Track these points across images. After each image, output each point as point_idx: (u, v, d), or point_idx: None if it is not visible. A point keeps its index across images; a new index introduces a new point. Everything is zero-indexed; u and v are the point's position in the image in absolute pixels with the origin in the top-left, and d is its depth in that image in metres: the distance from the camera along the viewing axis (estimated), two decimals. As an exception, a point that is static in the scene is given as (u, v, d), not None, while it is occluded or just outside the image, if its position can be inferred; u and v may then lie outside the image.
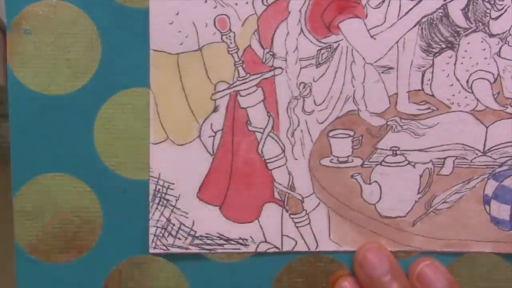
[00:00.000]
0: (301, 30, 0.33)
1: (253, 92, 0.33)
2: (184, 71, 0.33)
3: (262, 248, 0.34)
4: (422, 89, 0.34)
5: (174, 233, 0.34)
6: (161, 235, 0.34)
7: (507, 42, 0.33)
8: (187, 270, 0.34)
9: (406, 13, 0.33)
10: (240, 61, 0.33)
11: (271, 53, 0.33)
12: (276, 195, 0.34)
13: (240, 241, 0.34)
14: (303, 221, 0.34)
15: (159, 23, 0.33)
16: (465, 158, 0.34)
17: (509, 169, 0.34)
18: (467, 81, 0.34)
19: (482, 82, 0.34)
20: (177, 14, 0.33)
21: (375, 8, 0.33)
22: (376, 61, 0.33)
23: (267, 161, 0.34)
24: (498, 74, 0.34)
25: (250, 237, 0.34)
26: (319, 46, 0.33)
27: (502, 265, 0.34)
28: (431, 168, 0.34)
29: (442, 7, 0.33)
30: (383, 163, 0.34)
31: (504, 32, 0.33)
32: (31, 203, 0.33)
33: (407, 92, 0.34)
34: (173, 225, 0.34)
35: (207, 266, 0.34)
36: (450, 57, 0.34)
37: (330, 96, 0.34)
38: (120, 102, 0.33)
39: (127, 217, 0.34)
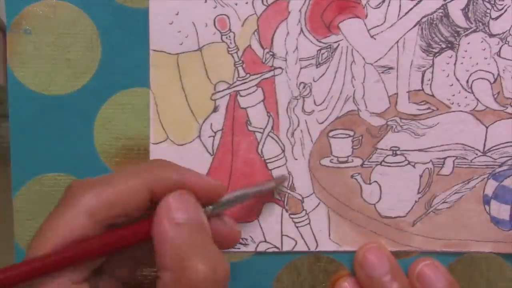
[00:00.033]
0: (301, 30, 0.33)
1: (253, 92, 0.33)
2: (184, 71, 0.33)
3: (262, 248, 0.34)
4: (422, 89, 0.34)
5: (174, 233, 0.34)
6: (161, 235, 0.34)
7: (507, 42, 0.33)
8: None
9: (406, 13, 0.33)
10: (240, 61, 0.33)
11: (271, 53, 0.33)
12: (276, 195, 0.34)
13: (240, 240, 0.34)
14: (303, 221, 0.34)
15: (159, 23, 0.33)
16: (465, 158, 0.34)
17: (509, 169, 0.34)
18: (467, 81, 0.34)
19: (482, 82, 0.34)
20: (177, 14, 0.33)
21: (375, 8, 0.33)
22: (376, 61, 0.33)
23: (267, 161, 0.34)
24: (498, 74, 0.34)
25: (250, 236, 0.34)
26: (319, 46, 0.33)
27: (502, 265, 0.34)
28: (431, 168, 0.34)
29: (442, 7, 0.33)
30: (383, 163, 0.34)
31: (504, 32, 0.33)
32: (31, 203, 0.33)
33: (407, 92, 0.34)
34: (173, 225, 0.34)
35: (207, 266, 0.34)
36: (450, 57, 0.34)
37: (330, 96, 0.34)
38: (120, 102, 0.33)
39: (127, 217, 0.34)
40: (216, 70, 0.33)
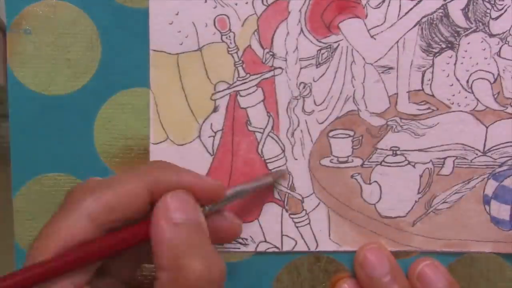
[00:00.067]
0: (301, 30, 0.33)
1: (253, 92, 0.33)
2: (184, 71, 0.33)
3: (262, 247, 0.34)
4: (422, 89, 0.34)
5: (174, 233, 0.34)
6: (161, 235, 0.34)
7: (507, 42, 0.33)
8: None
9: (406, 13, 0.33)
10: (240, 61, 0.33)
11: (271, 53, 0.33)
12: (276, 195, 0.34)
13: (240, 240, 0.34)
14: (303, 221, 0.34)
15: (159, 23, 0.33)
16: (465, 158, 0.34)
17: (509, 169, 0.34)
18: (467, 81, 0.34)
19: (482, 82, 0.34)
20: (177, 14, 0.33)
21: (375, 8, 0.33)
22: (376, 61, 0.33)
23: (267, 161, 0.34)
24: (498, 74, 0.34)
25: (250, 236, 0.34)
26: (319, 46, 0.33)
27: (502, 265, 0.34)
28: (431, 168, 0.34)
29: (442, 7, 0.33)
30: (383, 163, 0.34)
31: (504, 32, 0.33)
32: (31, 203, 0.33)
33: (407, 92, 0.34)
34: (173, 225, 0.34)
35: (207, 266, 0.34)
36: (450, 57, 0.34)
37: (330, 96, 0.34)
38: (120, 102, 0.33)
39: (127, 217, 0.34)
40: (216, 70, 0.33)
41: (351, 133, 0.34)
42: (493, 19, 0.33)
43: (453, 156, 0.34)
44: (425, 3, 0.33)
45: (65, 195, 0.27)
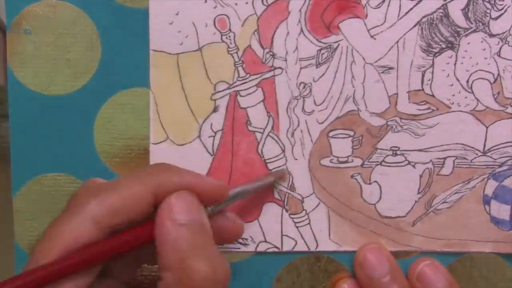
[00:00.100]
0: (301, 30, 0.33)
1: (253, 92, 0.33)
2: (184, 71, 0.33)
3: (262, 248, 0.34)
4: (422, 89, 0.34)
5: (174, 233, 0.34)
6: (161, 235, 0.34)
7: (507, 42, 0.33)
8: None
9: (406, 13, 0.33)
10: (240, 61, 0.33)
11: (271, 53, 0.33)
12: (276, 195, 0.34)
13: (240, 240, 0.34)
14: (303, 221, 0.34)
15: (159, 23, 0.33)
16: (465, 158, 0.34)
17: (509, 169, 0.34)
18: (467, 81, 0.34)
19: (482, 82, 0.34)
20: (177, 14, 0.33)
21: (375, 8, 0.33)
22: (376, 61, 0.33)
23: (267, 161, 0.34)
24: (498, 74, 0.34)
25: (250, 236, 0.34)
26: (319, 46, 0.33)
27: (502, 265, 0.34)
28: (431, 168, 0.34)
29: (442, 7, 0.33)
30: (383, 163, 0.34)
31: (504, 32, 0.33)
32: (31, 203, 0.33)
33: (407, 92, 0.34)
34: (173, 225, 0.34)
35: (207, 266, 0.34)
36: (450, 57, 0.34)
37: (330, 96, 0.34)
38: (120, 102, 0.33)
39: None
40: (216, 70, 0.33)
41: (351, 133, 0.34)
42: (493, 19, 0.33)
43: (453, 156, 0.34)
44: (425, 3, 0.33)
45: (69, 198, 0.27)
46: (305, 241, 0.34)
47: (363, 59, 0.33)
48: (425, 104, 0.34)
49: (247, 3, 0.33)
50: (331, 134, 0.34)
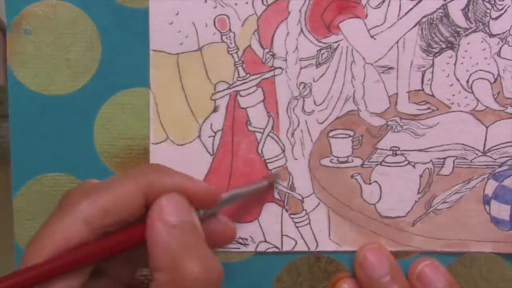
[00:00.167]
0: (301, 30, 0.33)
1: (253, 92, 0.33)
2: (184, 71, 0.33)
3: (262, 247, 0.34)
4: (422, 89, 0.34)
5: (174, 233, 0.34)
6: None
7: (507, 42, 0.33)
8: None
9: (406, 13, 0.33)
10: (240, 61, 0.33)
11: (271, 53, 0.33)
12: (276, 195, 0.34)
13: (240, 240, 0.34)
14: (303, 221, 0.34)
15: (159, 23, 0.33)
16: (465, 158, 0.34)
17: (509, 169, 0.34)
18: (467, 81, 0.34)
19: (482, 82, 0.34)
20: (177, 14, 0.33)
21: (375, 8, 0.33)
22: (376, 61, 0.33)
23: (267, 161, 0.34)
24: (498, 74, 0.34)
25: (250, 236, 0.34)
26: (319, 46, 0.33)
27: (502, 265, 0.34)
28: (431, 168, 0.34)
29: (442, 7, 0.33)
30: (383, 163, 0.34)
31: (504, 32, 0.33)
32: (31, 203, 0.33)
33: (407, 92, 0.34)
34: (173, 225, 0.34)
35: (207, 266, 0.34)
36: (450, 57, 0.34)
37: (330, 96, 0.34)
38: (120, 102, 0.33)
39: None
40: (216, 70, 0.33)
41: (351, 133, 0.34)
42: (493, 19, 0.33)
43: (453, 156, 0.34)
44: (425, 3, 0.33)
45: (61, 198, 0.27)
46: (305, 241, 0.34)
47: (363, 59, 0.33)
48: (425, 104, 0.34)
49: (247, 3, 0.33)
50: (331, 134, 0.34)
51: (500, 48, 0.33)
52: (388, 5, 0.33)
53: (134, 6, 0.33)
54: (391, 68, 0.33)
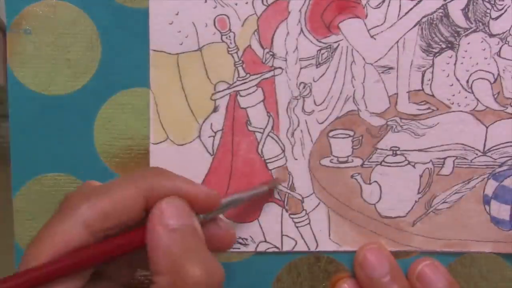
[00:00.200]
0: (301, 30, 0.33)
1: (253, 92, 0.33)
2: (184, 71, 0.33)
3: (262, 248, 0.34)
4: (422, 89, 0.34)
5: (174, 233, 0.34)
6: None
7: (507, 42, 0.33)
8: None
9: (406, 13, 0.33)
10: (240, 61, 0.33)
11: (271, 53, 0.33)
12: (276, 195, 0.34)
13: (240, 240, 0.34)
14: (303, 221, 0.34)
15: (159, 23, 0.33)
16: (465, 158, 0.34)
17: (509, 169, 0.34)
18: (467, 81, 0.34)
19: (482, 82, 0.34)
20: (177, 14, 0.33)
21: (375, 8, 0.33)
22: (376, 61, 0.33)
23: (267, 161, 0.34)
24: (498, 74, 0.34)
25: (250, 236, 0.34)
26: (319, 46, 0.33)
27: (502, 265, 0.34)
28: (431, 168, 0.34)
29: (442, 7, 0.33)
30: (383, 163, 0.34)
31: (504, 32, 0.33)
32: (31, 203, 0.33)
33: (407, 92, 0.34)
34: (173, 225, 0.34)
35: (207, 266, 0.34)
36: (450, 57, 0.34)
37: (330, 96, 0.34)
38: (120, 102, 0.33)
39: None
40: (216, 70, 0.33)
41: (351, 133, 0.34)
42: (493, 19, 0.33)
43: (453, 156, 0.34)
44: (425, 3, 0.33)
45: (62, 200, 0.27)
46: (305, 241, 0.34)
47: (363, 59, 0.33)
48: (425, 104, 0.34)
49: (247, 3, 0.33)
50: (331, 134, 0.34)
51: (500, 48, 0.33)
52: (388, 5, 0.33)
53: (134, 6, 0.33)
54: (391, 68, 0.33)
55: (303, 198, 0.34)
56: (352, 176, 0.34)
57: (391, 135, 0.34)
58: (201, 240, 0.26)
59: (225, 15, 0.33)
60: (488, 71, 0.33)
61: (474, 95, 0.34)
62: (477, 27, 0.33)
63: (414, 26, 0.33)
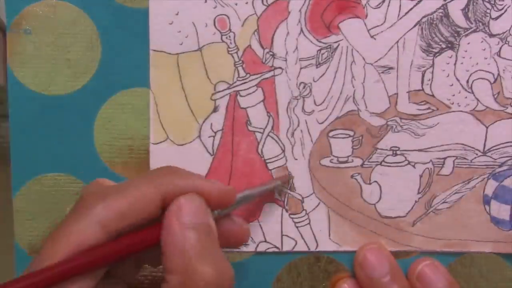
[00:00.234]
0: (301, 30, 0.33)
1: (253, 92, 0.33)
2: (184, 71, 0.33)
3: (262, 248, 0.34)
4: (422, 89, 0.34)
5: (174, 233, 0.34)
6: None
7: (507, 42, 0.33)
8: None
9: (406, 13, 0.33)
10: (240, 61, 0.33)
11: (271, 53, 0.33)
12: (276, 195, 0.34)
13: (240, 241, 0.34)
14: (303, 221, 0.34)
15: (159, 23, 0.33)
16: (465, 158, 0.34)
17: (509, 169, 0.34)
18: (467, 81, 0.34)
19: (482, 82, 0.34)
20: (177, 14, 0.33)
21: (375, 8, 0.33)
22: (376, 61, 0.33)
23: (267, 161, 0.34)
24: (498, 74, 0.34)
25: (250, 236, 0.34)
26: (319, 46, 0.33)
27: (502, 265, 0.34)
28: (431, 168, 0.34)
29: (442, 7, 0.33)
30: (383, 163, 0.34)
31: (504, 32, 0.33)
32: (31, 203, 0.33)
33: (407, 92, 0.34)
34: (173, 225, 0.34)
35: (207, 266, 0.34)
36: (450, 57, 0.34)
37: (330, 96, 0.34)
38: (120, 102, 0.33)
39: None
40: (216, 70, 0.33)
41: (351, 133, 0.34)
42: (493, 19, 0.33)
43: (453, 156, 0.34)
44: (425, 3, 0.33)
45: (77, 199, 0.27)
46: (305, 241, 0.34)
47: (363, 59, 0.33)
48: (425, 104, 0.34)
49: (247, 3, 0.33)
50: (331, 134, 0.34)
51: (500, 48, 0.33)
52: (388, 5, 0.33)
53: (134, 6, 0.33)
54: (391, 68, 0.33)
55: (303, 198, 0.34)
56: (352, 176, 0.34)
57: (391, 135, 0.34)
58: (215, 239, 0.26)
59: (225, 15, 0.33)
60: (488, 71, 0.33)
61: (474, 95, 0.34)
62: (477, 27, 0.33)
63: (414, 26, 0.33)
